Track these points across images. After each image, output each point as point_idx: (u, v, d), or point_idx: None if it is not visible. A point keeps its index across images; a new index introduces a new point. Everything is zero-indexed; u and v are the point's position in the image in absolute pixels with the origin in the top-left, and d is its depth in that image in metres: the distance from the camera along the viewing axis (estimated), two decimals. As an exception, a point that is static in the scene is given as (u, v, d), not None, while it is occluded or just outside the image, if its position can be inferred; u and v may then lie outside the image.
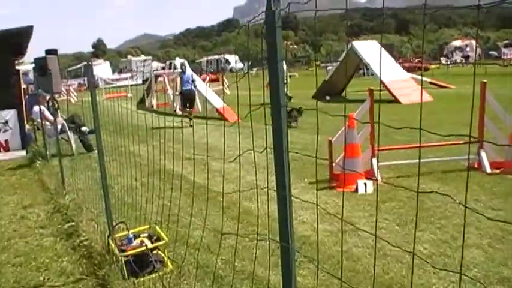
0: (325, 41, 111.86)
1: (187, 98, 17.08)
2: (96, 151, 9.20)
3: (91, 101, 5.49)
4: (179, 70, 18.52)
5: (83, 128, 11.60)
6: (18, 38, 13.32)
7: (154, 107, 22.36)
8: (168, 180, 7.46)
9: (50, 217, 7.09)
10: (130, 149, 8.55)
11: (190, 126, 15.56)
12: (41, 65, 12.17)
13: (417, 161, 7.80)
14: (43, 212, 7.36)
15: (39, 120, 11.69)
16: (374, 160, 7.46)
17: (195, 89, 17.41)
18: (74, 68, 67.13)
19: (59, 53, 14.56)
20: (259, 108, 2.44)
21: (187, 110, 16.94)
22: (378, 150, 7.40)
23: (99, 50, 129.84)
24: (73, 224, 6.36)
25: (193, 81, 17.30)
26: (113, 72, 62.23)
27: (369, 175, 7.41)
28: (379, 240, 5.16)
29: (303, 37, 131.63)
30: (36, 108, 11.73)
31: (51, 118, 11.10)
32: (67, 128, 11.52)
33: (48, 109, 11.61)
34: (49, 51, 14.53)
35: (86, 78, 56.10)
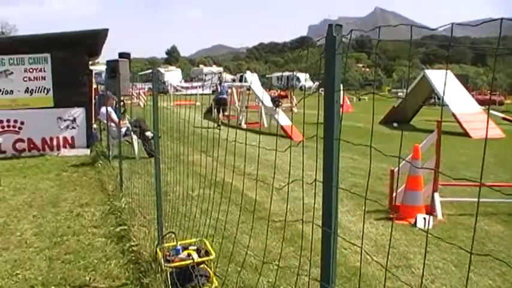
0: (398, 66, 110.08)
1: (220, 104, 21.05)
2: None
3: (153, 107, 5.52)
4: (218, 81, 24.00)
5: (147, 133, 11.72)
6: (94, 40, 13.70)
7: (221, 119, 22.40)
8: (224, 194, 7.45)
9: (104, 218, 7.16)
10: (191, 158, 8.54)
11: (219, 129, 17.33)
12: (112, 68, 12.50)
13: (482, 200, 7.49)
14: (98, 212, 7.46)
15: (105, 121, 11.93)
16: (436, 195, 7.17)
17: (227, 97, 21.60)
18: (145, 72, 68.82)
19: (133, 56, 14.95)
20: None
21: (219, 115, 20.63)
22: (441, 184, 7.12)
23: (173, 57, 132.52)
24: (125, 227, 6.39)
25: (226, 91, 21.91)
26: (184, 80, 63.23)
27: (430, 210, 7.13)
28: (434, 280, 4.93)
29: (375, 60, 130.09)
30: (103, 109, 11.98)
31: (116, 120, 11.30)
32: (131, 132, 11.71)
33: (115, 111, 11.82)
34: (122, 55, 14.93)
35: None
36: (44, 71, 13.22)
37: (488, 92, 54.63)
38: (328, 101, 1.92)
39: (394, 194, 7.28)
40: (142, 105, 33.92)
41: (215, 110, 21.44)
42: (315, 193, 2.27)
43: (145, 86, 56.40)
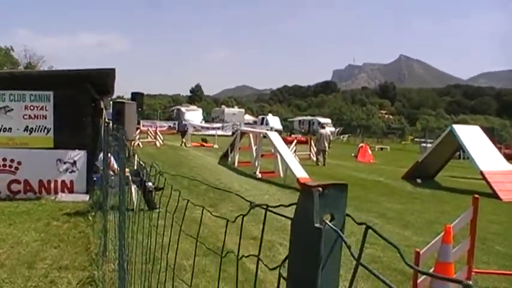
0: (422, 115, 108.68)
1: (183, 132, 34.76)
2: (157, 210, 8.24)
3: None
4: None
5: (149, 184, 10.74)
6: (103, 79, 12.89)
7: (236, 165, 21.26)
8: (223, 265, 6.42)
9: (80, 289, 6.19)
10: (196, 214, 7.49)
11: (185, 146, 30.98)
12: (117, 110, 11.63)
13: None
14: (75, 280, 6.47)
15: (102, 167, 11.04)
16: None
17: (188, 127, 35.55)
18: (167, 110, 68.86)
19: (158, 92, 14.25)
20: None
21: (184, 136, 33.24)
22: (476, 272, 6.04)
23: (196, 95, 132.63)
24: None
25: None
26: (205, 119, 62.80)
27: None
28: None
29: (399, 108, 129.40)
30: (102, 154, 11.10)
31: (115, 168, 10.37)
32: (131, 181, 10.74)
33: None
34: (134, 95, 14.15)
35: (176, 122, 57.24)
36: (46, 109, 12.43)
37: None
38: None
39: (418, 281, 6.18)
40: (158, 144, 33.28)
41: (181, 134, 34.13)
42: None
43: (166, 125, 56.29)
